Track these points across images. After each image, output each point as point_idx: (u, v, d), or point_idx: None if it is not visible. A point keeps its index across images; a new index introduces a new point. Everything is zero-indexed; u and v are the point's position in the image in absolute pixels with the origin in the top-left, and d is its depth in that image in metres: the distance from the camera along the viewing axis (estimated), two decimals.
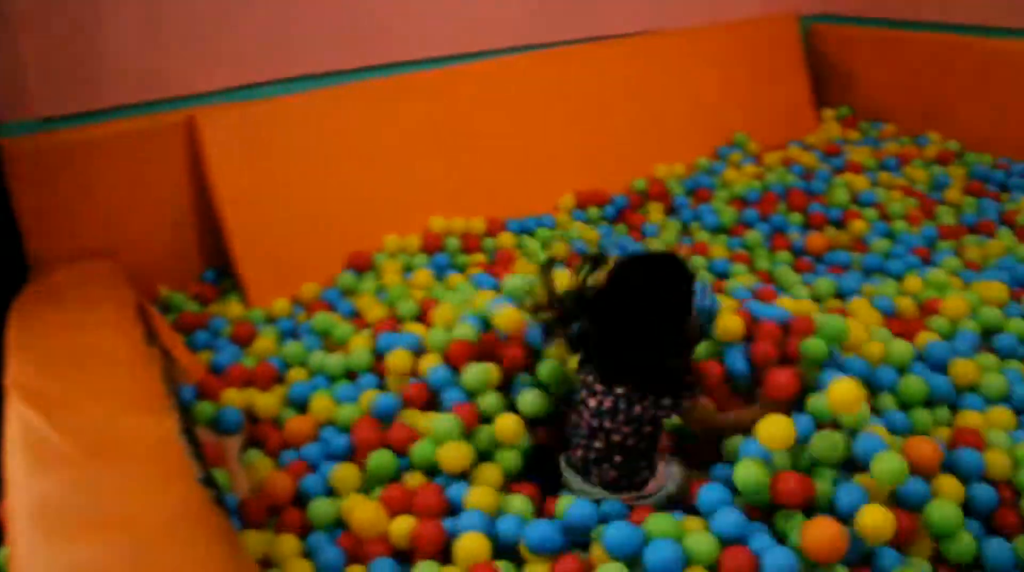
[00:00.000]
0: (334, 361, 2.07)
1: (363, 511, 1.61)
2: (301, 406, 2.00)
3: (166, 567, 1.05)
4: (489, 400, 1.82)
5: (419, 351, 1.99)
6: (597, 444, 1.65)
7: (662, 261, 1.66)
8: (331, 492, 1.75)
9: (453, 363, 1.90)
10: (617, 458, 1.65)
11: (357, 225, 2.61)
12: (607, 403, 1.63)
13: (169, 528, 1.11)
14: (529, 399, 1.80)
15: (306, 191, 2.53)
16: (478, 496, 1.64)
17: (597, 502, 1.61)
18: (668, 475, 1.71)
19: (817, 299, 2.30)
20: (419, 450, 1.74)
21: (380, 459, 1.73)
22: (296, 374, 2.09)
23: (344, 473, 1.74)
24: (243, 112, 2.48)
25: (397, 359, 1.94)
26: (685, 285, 1.61)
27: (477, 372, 1.84)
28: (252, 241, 2.43)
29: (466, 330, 1.92)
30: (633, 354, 1.62)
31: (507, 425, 1.75)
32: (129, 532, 1.07)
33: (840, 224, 2.86)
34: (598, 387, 1.65)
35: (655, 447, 1.67)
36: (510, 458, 1.76)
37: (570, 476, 1.73)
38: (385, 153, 2.67)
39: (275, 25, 2.63)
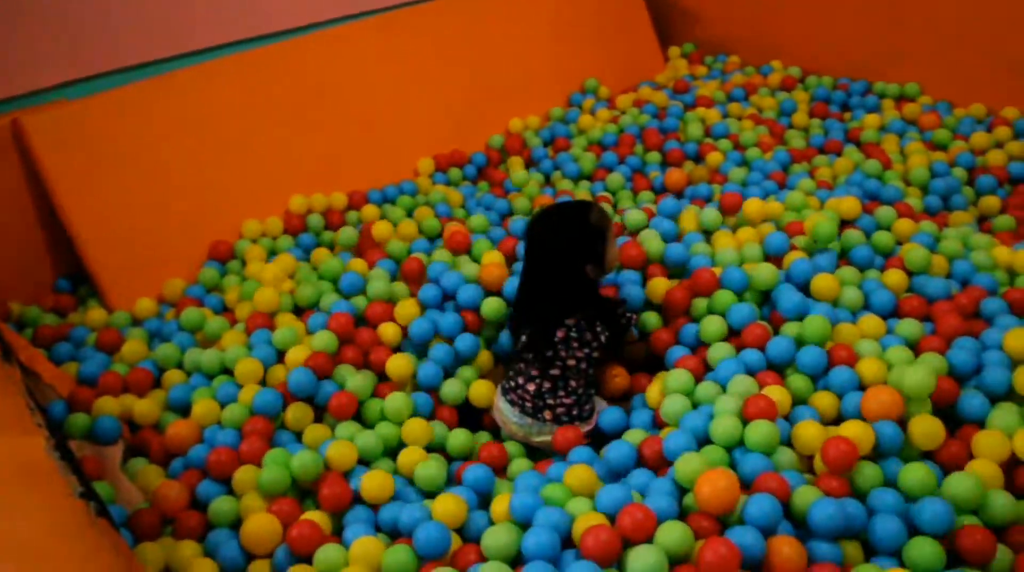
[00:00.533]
0: (210, 359, 2.01)
1: (256, 523, 1.58)
2: (182, 409, 1.94)
3: None
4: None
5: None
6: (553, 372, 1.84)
7: (562, 209, 1.83)
8: (229, 491, 1.72)
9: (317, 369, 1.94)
10: (573, 384, 1.83)
11: (215, 214, 2.52)
12: (560, 333, 1.81)
13: (52, 547, 1.06)
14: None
15: (155, 184, 2.42)
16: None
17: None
18: (598, 406, 1.89)
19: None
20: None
21: (274, 461, 1.71)
22: (173, 376, 2.02)
23: (243, 475, 1.70)
24: (73, 110, 2.34)
25: (245, 367, 1.95)
26: (580, 232, 1.78)
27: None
28: (104, 243, 2.31)
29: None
30: (539, 297, 1.83)
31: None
32: (11, 557, 1.01)
33: (697, 158, 2.93)
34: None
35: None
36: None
37: (511, 414, 1.86)
38: (234, 136, 2.58)
39: (97, 17, 2.49)
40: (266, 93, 2.64)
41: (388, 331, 2.05)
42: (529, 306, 1.87)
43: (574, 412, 1.86)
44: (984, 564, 1.40)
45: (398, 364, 1.97)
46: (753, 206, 2.26)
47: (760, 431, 1.59)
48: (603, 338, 1.85)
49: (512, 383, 1.90)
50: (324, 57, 2.78)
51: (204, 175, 2.51)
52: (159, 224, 2.41)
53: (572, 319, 1.81)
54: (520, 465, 1.80)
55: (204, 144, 2.53)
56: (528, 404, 1.86)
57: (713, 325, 1.94)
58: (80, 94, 2.45)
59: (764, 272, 1.98)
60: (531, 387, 1.85)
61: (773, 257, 2.10)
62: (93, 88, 2.50)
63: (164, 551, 1.57)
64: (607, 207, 2.31)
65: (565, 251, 1.79)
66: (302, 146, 2.68)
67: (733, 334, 1.94)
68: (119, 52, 2.59)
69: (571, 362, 1.82)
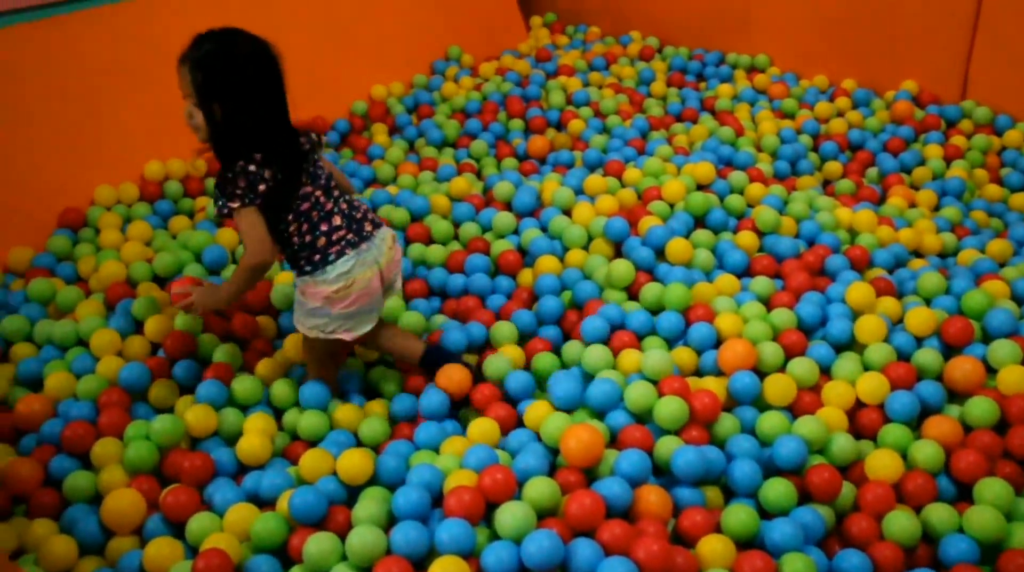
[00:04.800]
0: (63, 330, 1.92)
1: (117, 500, 1.53)
2: (34, 384, 1.86)
3: None
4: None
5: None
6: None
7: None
8: (85, 466, 1.65)
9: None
10: None
11: (64, 178, 2.39)
12: None
13: None
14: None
15: None
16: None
17: None
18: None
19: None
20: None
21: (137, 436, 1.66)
22: (21, 350, 1.93)
23: (102, 449, 1.63)
24: None
25: (101, 338, 1.89)
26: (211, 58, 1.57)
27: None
28: None
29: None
30: None
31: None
32: None
33: (559, 126, 2.97)
34: None
35: None
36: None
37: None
38: (85, 95, 2.46)
39: None
40: (121, 51, 2.52)
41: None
42: None
43: None
44: (830, 500, 1.50)
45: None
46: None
47: (639, 392, 1.64)
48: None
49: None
50: (180, 15, 2.66)
51: (52, 137, 2.38)
52: (1, 189, 2.27)
53: None
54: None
55: (53, 103, 2.40)
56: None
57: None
58: None
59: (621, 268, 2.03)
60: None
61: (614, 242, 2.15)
62: None
63: (16, 531, 1.51)
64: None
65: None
66: (158, 109, 2.56)
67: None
68: None
69: None
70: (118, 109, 2.50)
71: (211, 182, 2.54)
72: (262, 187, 1.58)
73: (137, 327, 1.95)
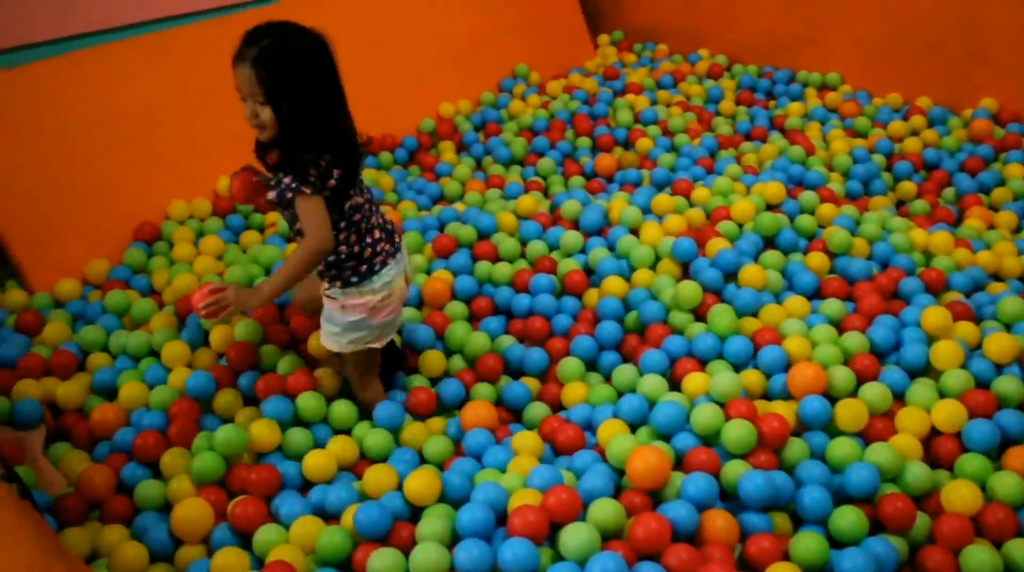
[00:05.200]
0: (137, 341, 1.97)
1: (186, 509, 1.55)
2: (108, 393, 1.90)
3: None
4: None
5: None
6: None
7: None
8: (155, 475, 1.69)
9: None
10: None
11: (140, 194, 2.46)
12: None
13: None
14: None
15: (77, 162, 2.35)
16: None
17: None
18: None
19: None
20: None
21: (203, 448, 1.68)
22: (97, 360, 1.98)
23: (171, 459, 1.67)
24: None
25: (172, 350, 1.92)
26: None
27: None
28: (24, 223, 2.24)
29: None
30: None
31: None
32: None
33: (627, 144, 2.96)
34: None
35: None
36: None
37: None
38: (161, 114, 2.52)
39: None
40: (195, 72, 2.58)
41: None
42: None
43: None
44: (904, 531, 1.46)
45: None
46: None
47: (705, 415, 1.62)
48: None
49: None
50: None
51: (129, 154, 2.44)
52: (82, 204, 2.34)
53: None
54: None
55: (129, 122, 2.46)
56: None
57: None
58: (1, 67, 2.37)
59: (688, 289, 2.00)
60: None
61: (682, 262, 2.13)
62: (14, 61, 2.41)
63: (90, 536, 1.54)
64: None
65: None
66: (231, 126, 2.61)
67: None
68: (46, 24, 2.50)
69: None
70: (192, 127, 2.56)
71: None
72: (331, 183, 1.57)
73: (206, 339, 1.99)
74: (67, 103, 2.35)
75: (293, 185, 1.55)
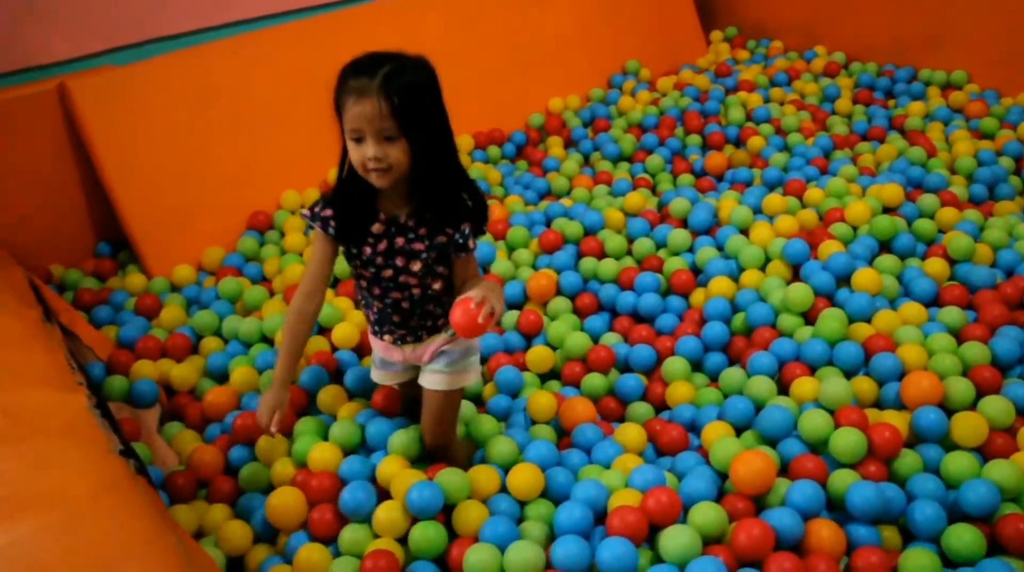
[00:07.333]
0: (248, 327, 2.02)
1: (281, 497, 1.54)
2: (220, 376, 1.96)
3: (98, 538, 1.01)
4: None
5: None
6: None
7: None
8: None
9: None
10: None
11: (254, 184, 2.52)
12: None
13: (95, 500, 1.07)
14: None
15: (196, 152, 2.43)
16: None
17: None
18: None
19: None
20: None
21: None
22: (210, 344, 2.04)
23: (266, 443, 1.69)
24: (116, 75, 2.34)
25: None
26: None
27: None
28: (145, 209, 2.33)
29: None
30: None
31: None
32: (57, 508, 1.02)
33: (738, 143, 2.90)
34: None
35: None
36: None
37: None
38: (274, 106, 2.58)
39: None
40: (307, 64, 2.63)
41: None
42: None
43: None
44: None
45: None
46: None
47: (814, 422, 1.57)
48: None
49: None
50: (364, 30, 2.77)
51: (244, 145, 2.51)
52: (199, 193, 2.42)
53: None
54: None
55: (245, 114, 2.53)
56: None
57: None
58: (126, 61, 2.47)
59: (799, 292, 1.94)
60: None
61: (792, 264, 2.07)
62: (138, 55, 2.51)
63: (197, 513, 1.59)
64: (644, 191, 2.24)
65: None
66: None
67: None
68: (164, 20, 2.60)
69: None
70: (304, 120, 2.60)
71: None
72: None
73: (320, 328, 2.01)
74: (189, 96, 2.43)
75: (470, 235, 1.44)
